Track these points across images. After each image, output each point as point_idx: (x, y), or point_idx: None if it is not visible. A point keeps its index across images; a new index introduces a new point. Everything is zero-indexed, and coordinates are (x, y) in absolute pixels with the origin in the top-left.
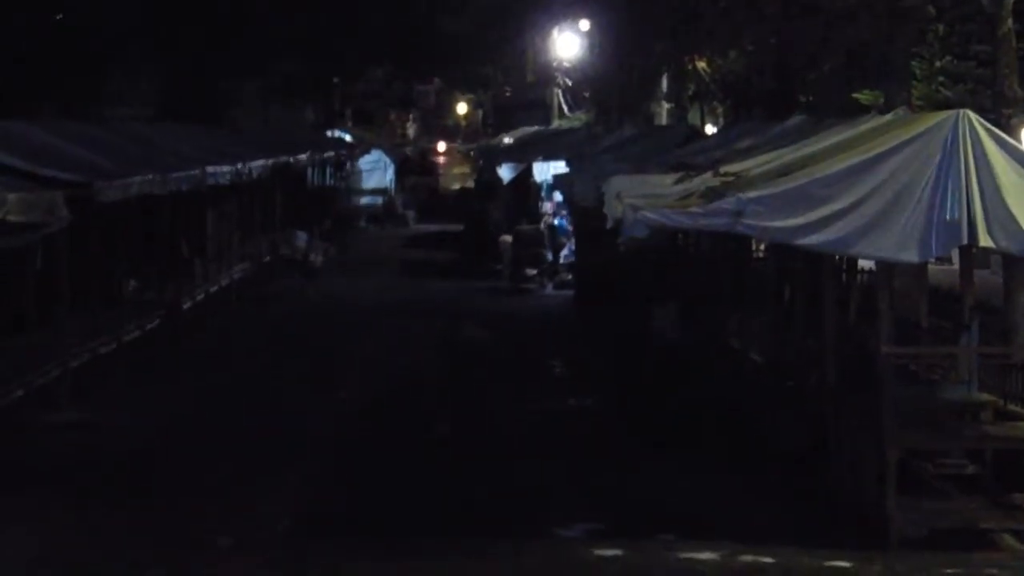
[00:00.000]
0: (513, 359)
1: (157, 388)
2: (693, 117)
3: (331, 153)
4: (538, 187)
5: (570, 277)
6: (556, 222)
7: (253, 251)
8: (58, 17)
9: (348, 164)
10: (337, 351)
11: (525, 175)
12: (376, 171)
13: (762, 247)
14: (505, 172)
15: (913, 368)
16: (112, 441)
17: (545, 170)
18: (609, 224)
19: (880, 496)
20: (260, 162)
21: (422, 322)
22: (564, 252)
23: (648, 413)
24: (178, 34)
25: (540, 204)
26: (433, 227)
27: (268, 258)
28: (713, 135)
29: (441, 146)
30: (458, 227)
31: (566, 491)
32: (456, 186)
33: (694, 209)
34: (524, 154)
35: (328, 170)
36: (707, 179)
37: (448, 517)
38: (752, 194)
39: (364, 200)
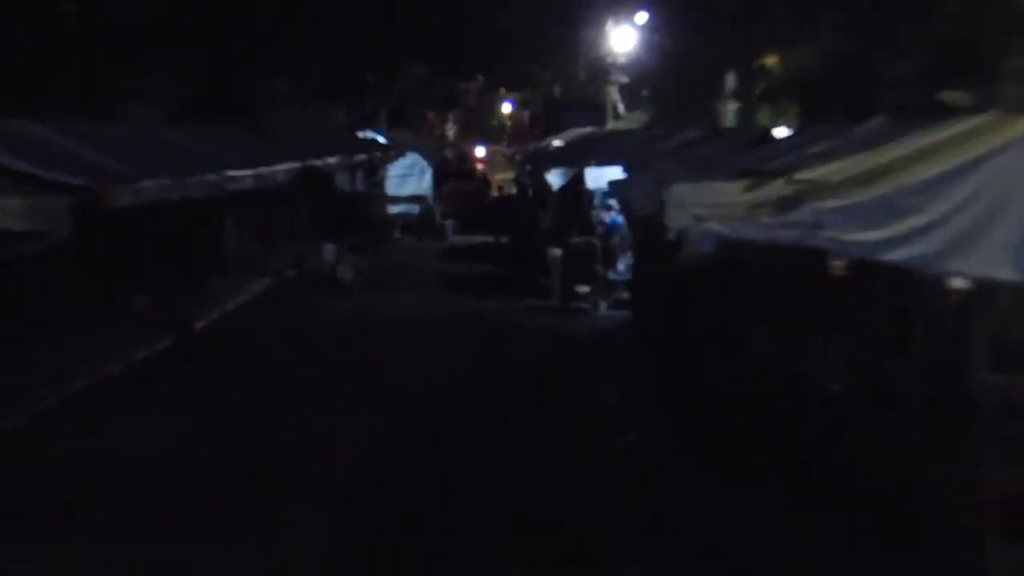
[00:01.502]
0: (564, 388)
1: (167, 416)
2: (762, 119)
3: (363, 156)
4: (591, 195)
5: (627, 296)
6: (609, 219)
7: (276, 265)
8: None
9: (381, 168)
10: (367, 377)
11: (577, 181)
12: (411, 176)
13: (840, 263)
14: (554, 178)
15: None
16: (116, 473)
17: (599, 176)
18: (671, 236)
19: (979, 542)
20: (285, 166)
21: (462, 346)
22: (620, 267)
23: (713, 446)
24: (203, 27)
25: (593, 213)
26: (475, 239)
27: (293, 272)
28: (785, 138)
29: (480, 151)
30: (501, 239)
31: (634, 544)
32: (500, 193)
33: (766, 220)
34: (575, 158)
35: (360, 175)
36: (779, 187)
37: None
38: (830, 204)
39: (398, 208)
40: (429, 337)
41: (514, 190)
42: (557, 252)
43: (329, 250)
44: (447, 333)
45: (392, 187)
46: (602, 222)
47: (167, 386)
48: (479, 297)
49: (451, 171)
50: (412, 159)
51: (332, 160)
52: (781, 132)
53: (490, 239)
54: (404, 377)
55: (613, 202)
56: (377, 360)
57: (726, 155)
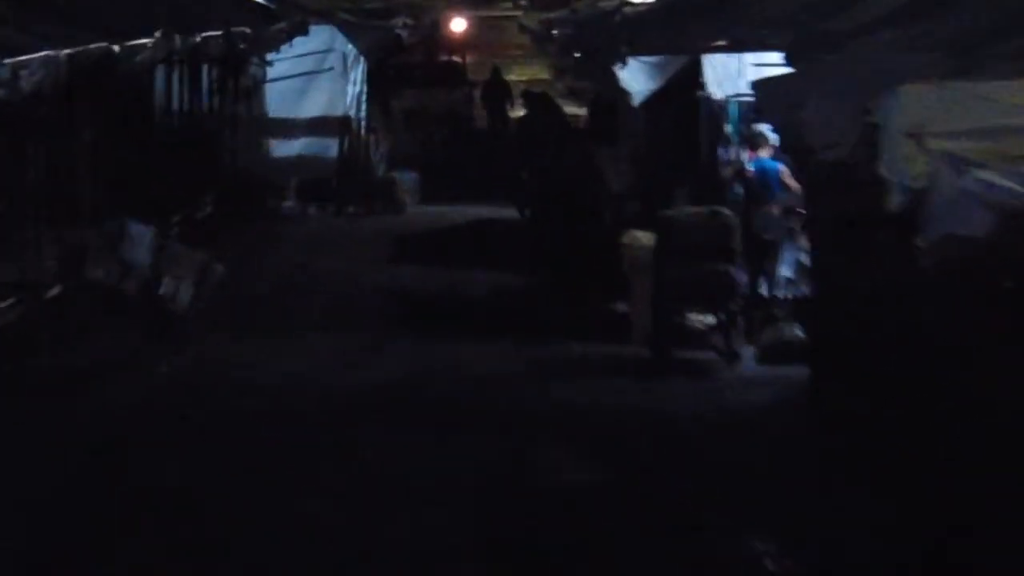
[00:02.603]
0: (665, 553)
1: None
2: None
3: (215, 33)
4: (716, 114)
5: (798, 333)
6: (756, 166)
7: (25, 270)
8: None
9: (255, 61)
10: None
11: (686, 86)
12: (321, 77)
13: None
14: (636, 78)
15: None
16: None
17: (732, 74)
18: (894, 203)
19: None
20: (42, 55)
21: (439, 453)
22: (782, 270)
23: None
24: None
25: (722, 155)
26: (459, 210)
27: (58, 289)
28: None
29: (458, 23)
30: (524, 212)
31: None
32: (518, 113)
33: None
34: (683, 33)
35: (208, 76)
36: None
37: None
38: None
39: (293, 147)
40: (368, 434)
41: (545, 109)
42: (643, 241)
43: (139, 240)
44: (405, 421)
45: (279, 102)
46: (741, 173)
47: None
48: (476, 337)
49: (409, 66)
50: (323, 38)
51: (144, 43)
52: None
53: (496, 211)
54: (306, 550)
55: (764, 129)
56: (245, 504)
57: (1005, 28)
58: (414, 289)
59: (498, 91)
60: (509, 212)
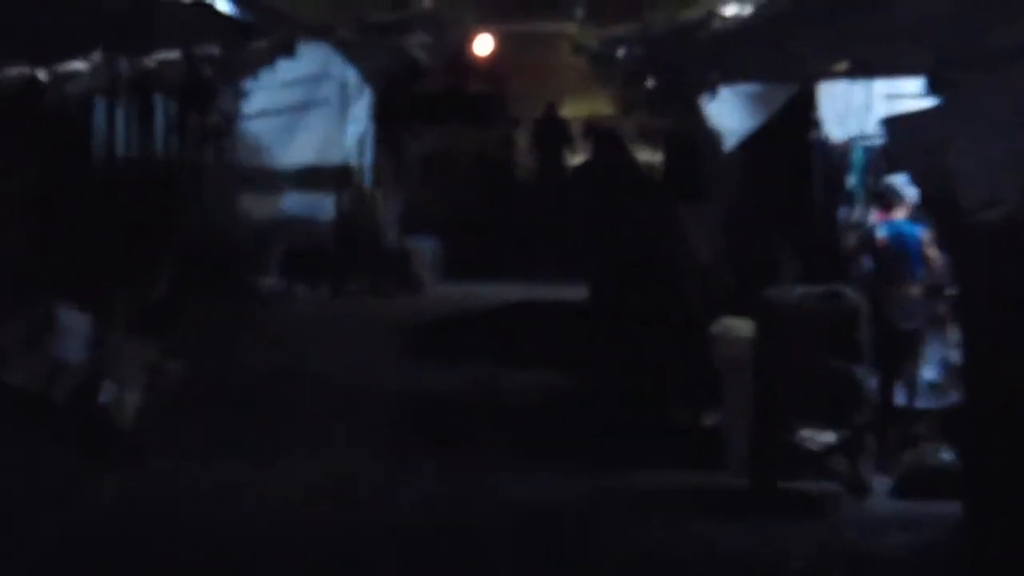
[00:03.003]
0: None
1: None
2: None
3: (172, 56)
4: (835, 162)
5: (949, 455)
6: (888, 231)
7: None
8: None
9: (226, 90)
10: None
11: (792, 125)
12: (313, 115)
13: None
14: (729, 114)
15: None
16: None
17: (856, 107)
18: None
19: None
20: None
21: None
22: (926, 372)
23: None
24: None
25: (842, 214)
26: (496, 289)
27: None
28: None
29: (490, 43)
30: (575, 291)
31: None
32: (575, 159)
33: None
34: (788, 56)
35: (163, 113)
36: None
37: None
38: None
39: (273, 207)
40: None
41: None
42: (740, 331)
43: (72, 331)
44: None
45: (258, 145)
46: (870, 241)
47: None
48: (518, 467)
49: (429, 98)
50: (315, 61)
51: (79, 69)
52: None
53: (546, 292)
54: None
55: (898, 185)
56: None
57: None
58: (437, 396)
59: (553, 131)
60: (561, 291)
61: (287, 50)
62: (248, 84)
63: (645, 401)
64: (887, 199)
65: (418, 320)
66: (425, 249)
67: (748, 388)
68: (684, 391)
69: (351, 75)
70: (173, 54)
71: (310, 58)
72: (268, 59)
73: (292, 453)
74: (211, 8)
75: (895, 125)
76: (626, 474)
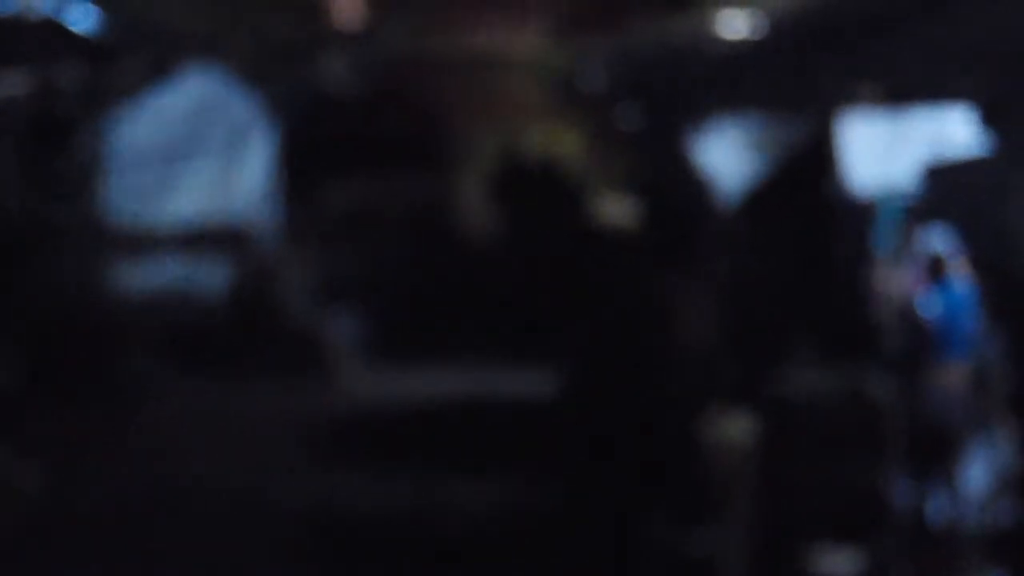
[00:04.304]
0: None
1: None
2: None
3: (17, 82)
4: (860, 217)
5: None
6: (923, 299)
7: None
8: None
9: (88, 133)
10: None
11: (805, 170)
12: (198, 160)
13: None
14: (727, 156)
15: None
16: None
17: (888, 147)
18: None
19: None
20: None
21: None
22: (971, 477)
23: None
24: None
25: (867, 281)
26: (435, 378)
27: None
28: None
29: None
30: (533, 379)
31: None
32: (533, 212)
33: None
34: (800, 81)
35: (5, 155)
36: None
37: None
38: None
39: (149, 276)
40: None
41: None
42: (740, 430)
43: None
44: None
45: (128, 198)
46: (910, 315)
47: None
48: None
49: (351, 137)
50: (200, 90)
51: None
52: None
53: (499, 381)
54: None
55: (941, 247)
56: None
57: None
58: (356, 516)
59: (514, 179)
60: (516, 380)
61: (159, 75)
62: (114, 120)
63: (623, 518)
64: (929, 263)
65: (333, 415)
66: (343, 327)
67: (751, 500)
68: (671, 504)
69: (247, 108)
70: (17, 82)
71: (193, 87)
72: (139, 87)
73: None
74: (65, 26)
75: (938, 172)
76: None
